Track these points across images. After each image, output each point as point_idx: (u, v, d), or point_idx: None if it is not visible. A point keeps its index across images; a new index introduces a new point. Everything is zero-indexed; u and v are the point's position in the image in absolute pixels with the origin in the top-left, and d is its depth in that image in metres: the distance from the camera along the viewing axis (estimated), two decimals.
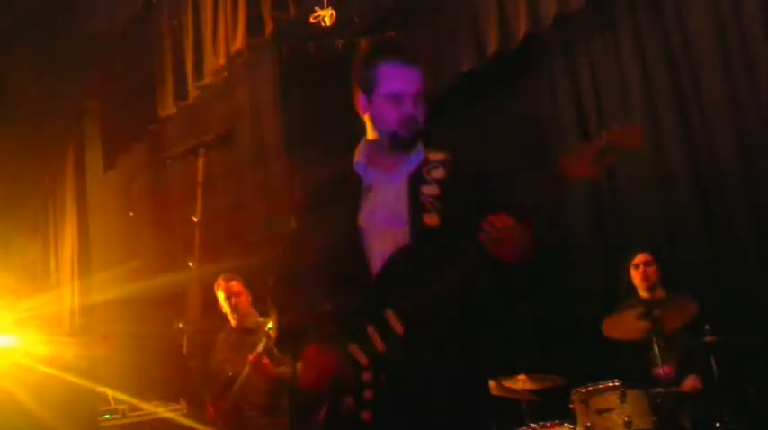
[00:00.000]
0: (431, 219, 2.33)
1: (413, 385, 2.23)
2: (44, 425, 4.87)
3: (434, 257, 2.26)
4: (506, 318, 2.37)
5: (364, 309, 2.29)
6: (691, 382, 4.67)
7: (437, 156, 2.46)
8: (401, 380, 2.23)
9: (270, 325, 4.92)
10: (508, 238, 2.17)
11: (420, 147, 2.46)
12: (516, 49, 5.51)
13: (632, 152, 2.14)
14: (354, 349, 2.27)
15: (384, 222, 2.37)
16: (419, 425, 2.24)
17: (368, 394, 2.24)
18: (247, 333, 5.33)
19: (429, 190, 2.38)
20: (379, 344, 2.24)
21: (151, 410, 5.25)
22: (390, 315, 2.24)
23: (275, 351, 4.90)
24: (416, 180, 2.41)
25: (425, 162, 2.44)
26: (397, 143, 2.41)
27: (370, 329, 2.26)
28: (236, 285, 5.40)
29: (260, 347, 4.99)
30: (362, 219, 2.40)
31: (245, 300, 5.40)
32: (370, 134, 2.49)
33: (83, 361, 5.32)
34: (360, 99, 2.48)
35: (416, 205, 2.36)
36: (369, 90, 2.44)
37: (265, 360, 4.99)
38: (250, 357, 5.03)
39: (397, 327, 2.23)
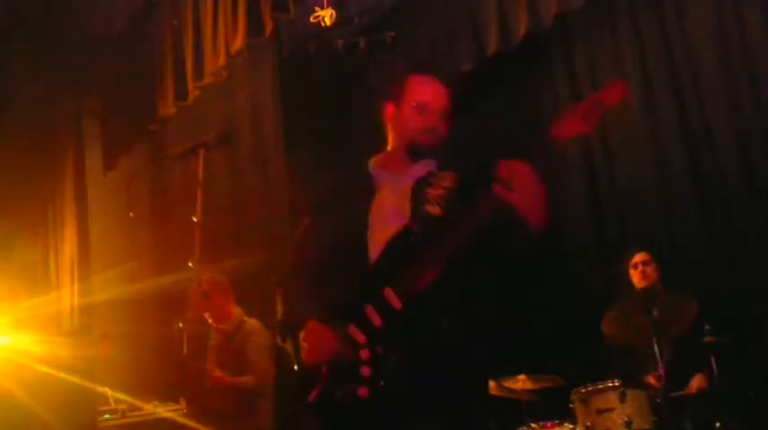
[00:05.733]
0: (433, 209, 2.39)
1: (410, 360, 2.24)
2: (42, 424, 4.86)
3: (434, 239, 2.29)
4: (504, 310, 2.39)
5: (363, 292, 2.31)
6: (697, 382, 4.67)
7: (446, 174, 2.50)
8: (398, 356, 2.24)
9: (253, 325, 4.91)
10: (524, 186, 2.20)
11: (432, 158, 2.52)
12: (516, 48, 5.51)
13: (621, 108, 2.19)
14: (352, 329, 2.29)
15: (388, 215, 2.42)
16: (416, 401, 2.25)
17: (365, 371, 2.25)
18: (225, 335, 5.14)
19: (434, 192, 2.44)
20: (377, 320, 2.26)
21: (151, 410, 5.25)
22: (389, 292, 2.26)
23: (251, 353, 4.86)
24: (423, 183, 2.47)
25: (434, 173, 2.50)
26: (414, 151, 2.49)
27: (368, 308, 2.28)
28: (206, 286, 5.06)
29: (209, 362, 4.88)
30: (370, 215, 2.45)
31: (219, 301, 5.14)
32: (391, 143, 2.58)
33: (82, 360, 5.32)
34: (387, 108, 2.56)
35: (420, 199, 2.42)
36: (397, 98, 2.52)
37: (217, 373, 4.85)
38: (208, 367, 4.89)
39: (395, 303, 2.25)
